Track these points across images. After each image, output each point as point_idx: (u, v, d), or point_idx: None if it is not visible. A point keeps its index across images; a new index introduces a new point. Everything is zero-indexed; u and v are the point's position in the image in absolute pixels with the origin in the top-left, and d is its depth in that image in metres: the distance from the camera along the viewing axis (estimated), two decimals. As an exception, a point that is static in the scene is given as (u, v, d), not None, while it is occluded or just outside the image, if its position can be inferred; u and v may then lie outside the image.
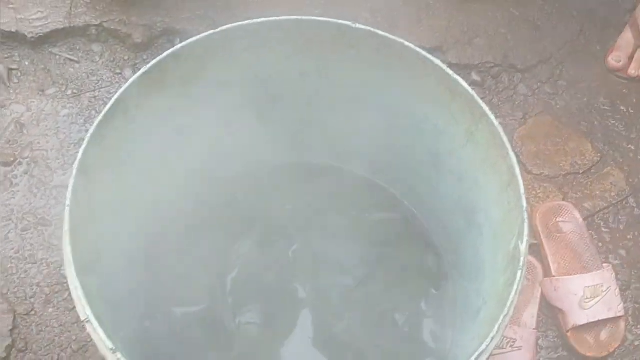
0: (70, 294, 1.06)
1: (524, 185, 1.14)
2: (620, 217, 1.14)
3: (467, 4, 1.32)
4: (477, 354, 0.68)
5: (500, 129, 0.79)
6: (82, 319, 0.70)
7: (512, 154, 0.78)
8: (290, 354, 0.96)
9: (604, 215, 1.14)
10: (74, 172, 0.75)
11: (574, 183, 1.16)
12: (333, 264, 1.02)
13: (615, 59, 1.29)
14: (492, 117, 0.80)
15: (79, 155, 0.76)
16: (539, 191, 1.14)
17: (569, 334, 1.03)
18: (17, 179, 1.16)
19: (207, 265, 1.00)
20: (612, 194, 1.15)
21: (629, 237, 1.13)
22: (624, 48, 1.30)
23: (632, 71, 1.29)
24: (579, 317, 1.02)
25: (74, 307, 1.06)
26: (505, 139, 0.79)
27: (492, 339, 0.69)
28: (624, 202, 1.15)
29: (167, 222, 0.99)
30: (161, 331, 0.96)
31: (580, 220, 1.10)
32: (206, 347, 0.96)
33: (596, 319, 1.02)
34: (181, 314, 0.98)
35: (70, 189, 0.74)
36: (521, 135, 1.20)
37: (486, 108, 0.81)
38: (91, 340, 1.03)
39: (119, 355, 0.67)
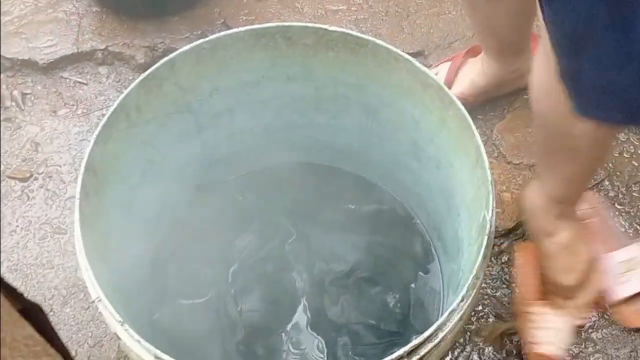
0: (85, 294, 1.15)
1: (504, 174, 1.22)
2: (596, 199, 1.21)
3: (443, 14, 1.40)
4: (448, 311, 0.75)
5: (466, 113, 0.87)
6: (94, 297, 0.78)
7: (477, 134, 0.85)
8: (289, 337, 1.03)
9: (581, 198, 1.21)
10: (82, 169, 0.83)
11: (552, 170, 1.23)
12: (327, 254, 1.09)
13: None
14: (459, 103, 0.88)
15: (86, 154, 0.84)
16: (519, 179, 1.22)
17: (612, 311, 1.08)
18: (33, 192, 1.25)
19: (210, 260, 1.07)
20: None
21: (605, 217, 1.20)
22: None
23: None
24: (618, 292, 1.07)
25: (89, 306, 1.15)
26: (470, 121, 0.86)
27: (463, 297, 0.76)
28: (599, 185, 1.22)
29: (172, 221, 1.07)
30: (169, 322, 1.04)
31: (602, 205, 1.15)
32: (212, 334, 1.03)
33: (635, 291, 1.07)
34: (188, 305, 1.05)
35: (79, 183, 0.82)
36: (500, 129, 1.27)
37: (453, 96, 0.88)
38: (106, 335, 1.12)
39: (126, 326, 0.75)
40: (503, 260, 1.15)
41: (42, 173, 1.27)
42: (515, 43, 1.20)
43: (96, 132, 0.86)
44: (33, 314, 0.34)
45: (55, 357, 0.35)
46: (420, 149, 1.01)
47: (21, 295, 0.34)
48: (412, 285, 1.07)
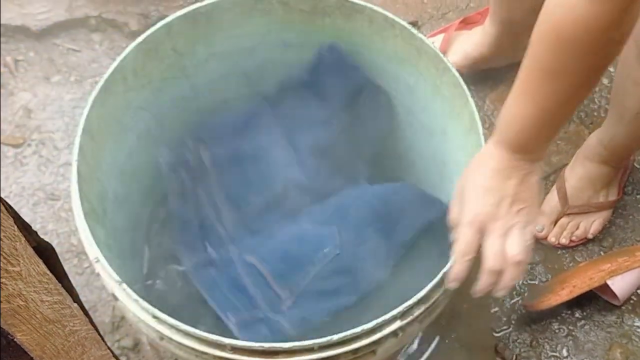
0: (79, 260, 1.16)
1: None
2: (586, 169, 1.22)
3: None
4: (442, 272, 0.76)
5: (460, 80, 0.87)
6: (92, 258, 0.78)
7: (471, 100, 0.86)
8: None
9: (571, 168, 1.22)
10: (79, 131, 0.83)
11: (543, 140, 1.24)
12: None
13: (537, 228, 1.18)
14: (454, 70, 0.88)
15: (83, 117, 0.84)
16: (510, 149, 1.23)
17: None
18: (26, 159, 1.25)
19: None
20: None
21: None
22: (548, 215, 1.19)
23: (552, 239, 1.19)
24: None
25: (83, 272, 1.15)
26: (465, 87, 0.87)
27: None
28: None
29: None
30: (162, 289, 1.04)
31: None
32: (206, 301, 1.04)
33: None
34: (182, 271, 1.06)
35: (76, 145, 0.82)
36: (493, 99, 1.28)
37: (448, 62, 0.89)
38: (100, 300, 1.12)
39: (124, 286, 0.75)
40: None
41: (35, 139, 1.27)
42: (524, 21, 1.21)
43: (93, 95, 0.86)
44: (46, 253, 0.35)
45: (65, 297, 0.36)
46: (415, 118, 1.02)
47: (35, 232, 0.35)
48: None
